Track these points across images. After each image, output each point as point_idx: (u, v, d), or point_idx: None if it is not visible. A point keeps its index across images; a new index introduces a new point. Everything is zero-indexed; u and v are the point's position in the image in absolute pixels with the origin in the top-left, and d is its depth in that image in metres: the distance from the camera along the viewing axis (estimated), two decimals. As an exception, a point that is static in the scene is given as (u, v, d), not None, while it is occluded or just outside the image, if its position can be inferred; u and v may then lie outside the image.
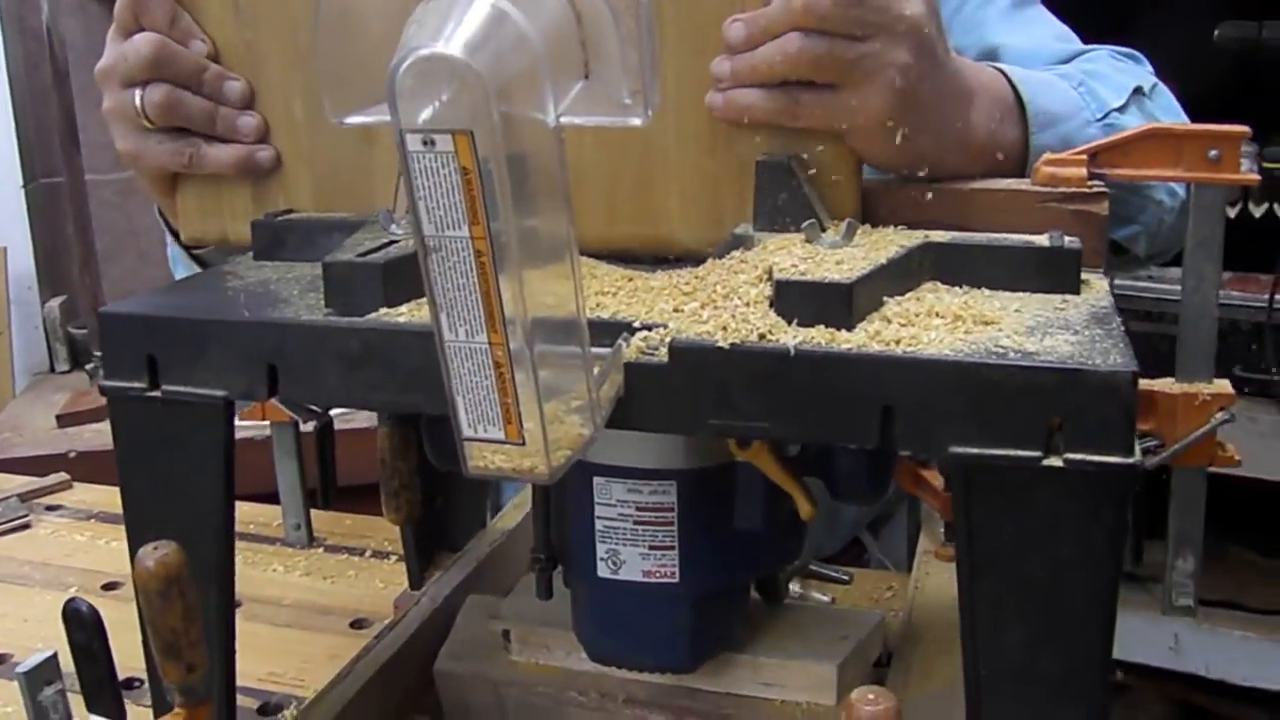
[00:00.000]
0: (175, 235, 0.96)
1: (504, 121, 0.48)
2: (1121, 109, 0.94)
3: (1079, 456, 0.56)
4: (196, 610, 0.68)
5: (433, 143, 0.48)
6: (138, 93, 0.82)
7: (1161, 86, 0.99)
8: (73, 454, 2.14)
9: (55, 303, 2.71)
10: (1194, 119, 2.19)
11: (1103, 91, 0.94)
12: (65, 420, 2.33)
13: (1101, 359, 0.57)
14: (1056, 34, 1.13)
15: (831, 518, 1.23)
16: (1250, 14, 2.00)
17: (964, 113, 0.78)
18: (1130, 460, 0.57)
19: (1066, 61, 1.05)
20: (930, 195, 0.75)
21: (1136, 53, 1.07)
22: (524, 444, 0.54)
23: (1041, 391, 0.56)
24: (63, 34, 2.34)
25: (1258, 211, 1.99)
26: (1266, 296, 1.91)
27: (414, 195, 0.49)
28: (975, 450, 0.58)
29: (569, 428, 0.57)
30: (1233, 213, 2.00)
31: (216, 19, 0.83)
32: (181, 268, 1.03)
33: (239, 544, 1.24)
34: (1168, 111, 0.98)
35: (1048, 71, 0.95)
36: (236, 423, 0.77)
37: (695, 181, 0.75)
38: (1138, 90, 0.96)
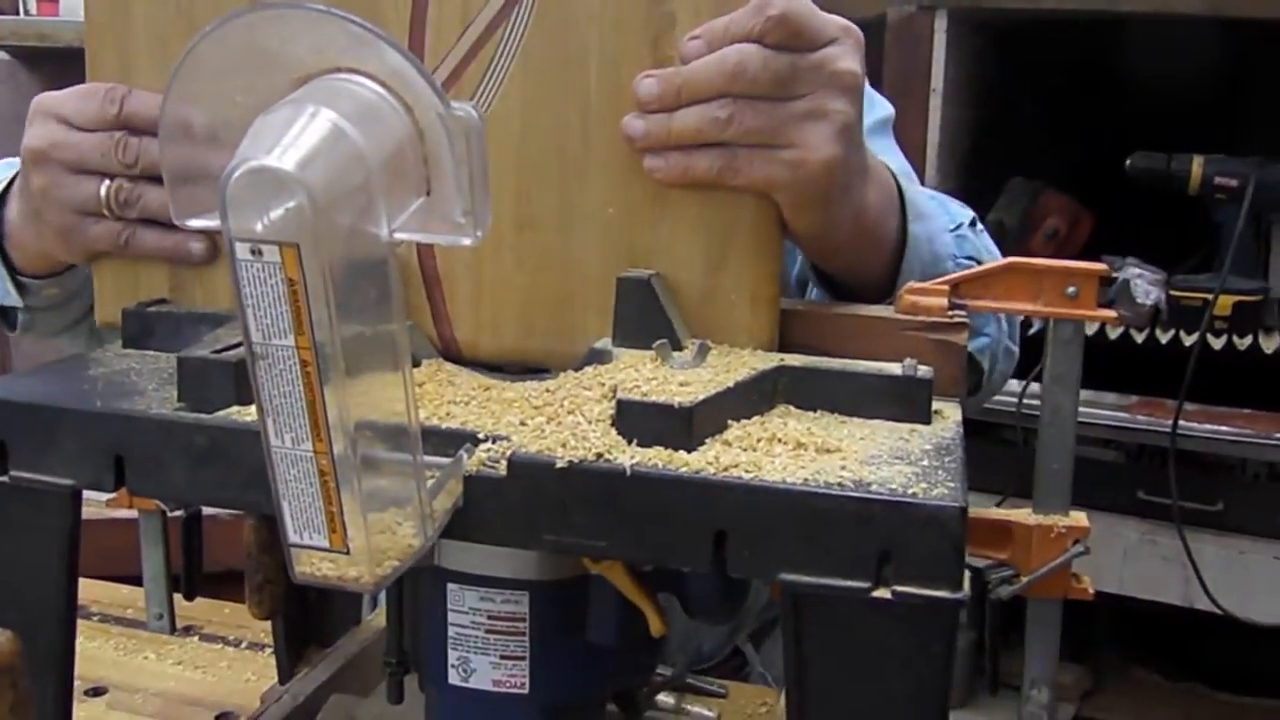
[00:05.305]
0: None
1: (334, 235, 0.48)
2: (970, 225, 0.97)
3: (907, 589, 0.57)
4: (29, 702, 0.66)
5: (260, 252, 0.48)
6: (106, 183, 0.79)
7: (982, 227, 1.01)
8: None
9: (-36, 368, 2.67)
10: (1106, 248, 2.23)
11: (952, 206, 0.98)
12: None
13: (934, 492, 0.58)
14: (901, 168, 1.14)
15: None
16: (1160, 146, 2.06)
17: (864, 187, 0.77)
18: (958, 595, 0.57)
19: None
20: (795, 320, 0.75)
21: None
22: (349, 553, 0.54)
23: (871, 523, 0.57)
24: (-12, 100, 2.34)
25: (1164, 338, 2.03)
26: (1170, 421, 1.94)
27: (242, 302, 0.50)
28: (805, 579, 0.58)
29: (400, 538, 0.56)
30: (1140, 338, 2.04)
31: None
32: None
33: (112, 629, 1.23)
34: (989, 250, 0.99)
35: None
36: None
37: (612, 298, 0.73)
38: (973, 222, 0.99)
